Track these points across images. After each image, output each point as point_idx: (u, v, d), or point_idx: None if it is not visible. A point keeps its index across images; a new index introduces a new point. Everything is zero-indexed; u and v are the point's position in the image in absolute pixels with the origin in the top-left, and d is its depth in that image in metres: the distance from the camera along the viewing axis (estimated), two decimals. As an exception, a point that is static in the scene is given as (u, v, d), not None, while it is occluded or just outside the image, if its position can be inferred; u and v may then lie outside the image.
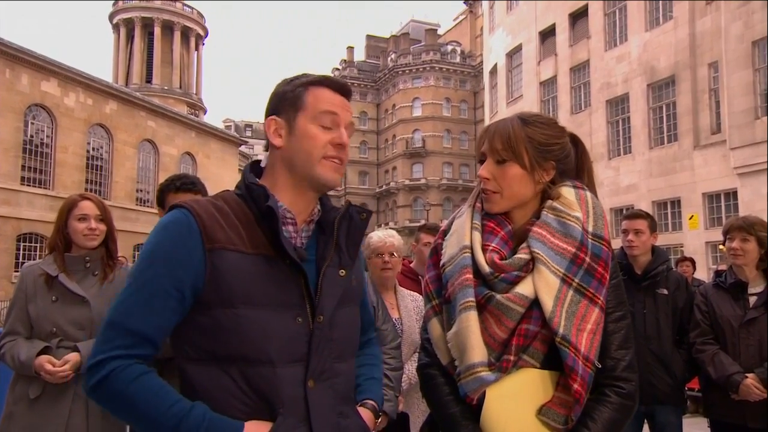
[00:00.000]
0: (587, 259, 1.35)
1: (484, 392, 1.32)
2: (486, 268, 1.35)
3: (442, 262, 1.44)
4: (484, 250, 1.38)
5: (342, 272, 1.28)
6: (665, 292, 3.27)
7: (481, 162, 1.45)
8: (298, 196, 1.29)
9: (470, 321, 1.32)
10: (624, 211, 16.67)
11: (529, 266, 1.35)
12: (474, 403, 1.33)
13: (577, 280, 1.33)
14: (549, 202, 1.42)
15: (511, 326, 1.32)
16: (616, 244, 3.54)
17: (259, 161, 1.37)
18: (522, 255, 1.35)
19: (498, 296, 1.32)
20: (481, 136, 1.48)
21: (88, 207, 2.50)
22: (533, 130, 1.42)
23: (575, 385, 1.27)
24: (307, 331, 1.21)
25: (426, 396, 1.47)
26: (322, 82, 1.30)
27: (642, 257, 3.32)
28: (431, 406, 1.46)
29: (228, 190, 1.32)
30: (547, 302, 1.30)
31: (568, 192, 1.43)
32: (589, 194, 1.45)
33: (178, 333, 1.20)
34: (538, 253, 1.34)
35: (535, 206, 1.44)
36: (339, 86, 1.31)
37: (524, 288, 1.33)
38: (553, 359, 1.32)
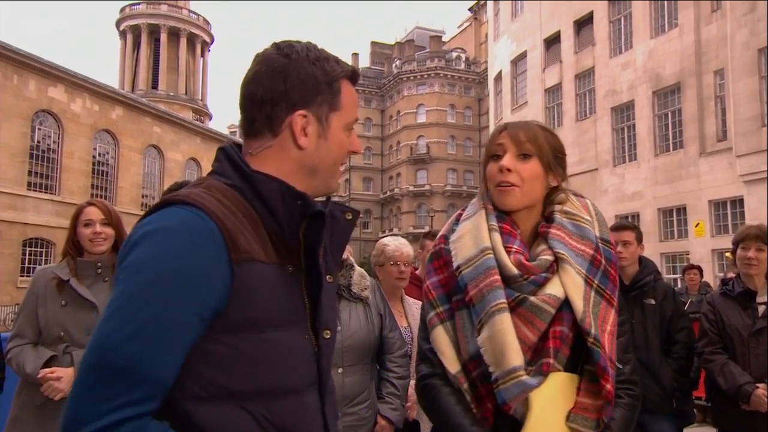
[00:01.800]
0: (603, 261, 1.37)
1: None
2: (514, 270, 1.32)
3: (456, 264, 1.38)
4: (506, 251, 1.35)
5: (329, 278, 1.08)
6: (653, 302, 3.31)
7: (494, 158, 1.42)
8: None
9: (504, 323, 1.27)
10: (630, 218, 16.43)
11: (554, 267, 1.34)
12: (510, 412, 1.29)
13: (596, 282, 1.34)
14: (559, 207, 1.43)
15: (543, 328, 1.29)
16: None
17: (240, 145, 1.10)
18: (546, 256, 1.34)
19: (531, 298, 1.30)
20: (498, 131, 1.45)
21: (92, 212, 2.52)
22: (550, 135, 1.45)
23: (608, 386, 1.26)
24: (313, 349, 1.04)
25: (428, 407, 1.41)
26: (352, 75, 1.13)
27: (630, 268, 3.35)
28: (434, 417, 1.40)
29: (208, 178, 1.06)
30: (578, 302, 1.30)
31: (573, 198, 1.45)
32: (589, 201, 1.48)
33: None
34: (562, 254, 1.34)
35: (540, 210, 1.45)
36: (357, 79, 1.16)
37: (554, 289, 1.31)
38: (572, 362, 1.33)
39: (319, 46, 1.12)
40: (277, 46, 1.09)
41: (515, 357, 1.25)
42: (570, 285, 1.31)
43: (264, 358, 0.95)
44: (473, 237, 1.39)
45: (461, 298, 1.36)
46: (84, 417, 0.82)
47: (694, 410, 4.00)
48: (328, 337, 1.07)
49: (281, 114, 1.05)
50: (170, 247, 0.90)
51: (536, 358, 1.29)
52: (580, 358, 1.32)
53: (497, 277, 1.31)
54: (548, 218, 1.43)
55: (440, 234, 1.51)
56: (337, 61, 1.11)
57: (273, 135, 1.06)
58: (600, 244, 1.38)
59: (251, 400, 0.94)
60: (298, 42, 1.10)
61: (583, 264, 1.34)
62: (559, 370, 1.31)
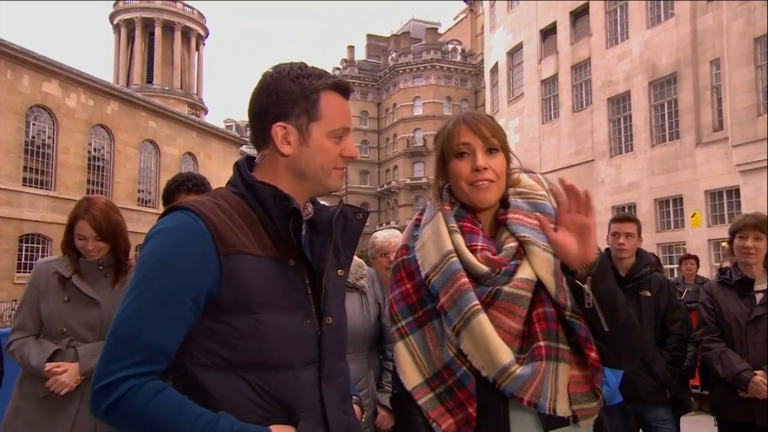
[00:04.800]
0: None
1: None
2: (483, 268, 1.32)
3: (424, 274, 1.37)
4: (472, 250, 1.35)
5: (340, 272, 1.28)
6: (648, 294, 3.35)
7: (458, 156, 1.40)
8: (297, 199, 1.25)
9: (483, 325, 1.28)
10: (626, 209, 16.42)
11: (521, 252, 1.34)
12: (528, 402, 1.28)
13: None
14: (512, 189, 1.43)
15: (524, 314, 1.30)
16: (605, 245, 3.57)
17: (253, 158, 1.31)
18: (511, 243, 1.35)
19: (504, 288, 1.30)
20: (457, 128, 1.41)
21: (84, 228, 2.46)
22: (497, 123, 1.45)
23: (593, 354, 1.29)
24: (315, 332, 1.20)
25: (401, 425, 1.42)
26: (335, 87, 1.25)
27: (627, 260, 3.38)
28: None
29: (222, 189, 1.27)
30: (549, 279, 1.31)
31: (524, 177, 1.45)
32: (540, 175, 1.48)
33: (186, 339, 1.12)
34: (525, 237, 1.34)
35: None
36: (347, 91, 1.28)
37: (525, 273, 1.31)
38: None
39: (310, 65, 1.26)
40: (273, 67, 1.26)
41: (503, 355, 1.27)
42: (539, 264, 1.31)
43: (256, 336, 1.12)
44: (434, 243, 1.38)
45: (433, 307, 1.35)
46: (101, 375, 1.06)
47: (691, 399, 4.03)
48: (330, 322, 1.21)
49: (267, 126, 1.22)
50: (167, 243, 1.12)
51: (527, 344, 1.30)
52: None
53: (465, 279, 1.30)
54: (504, 203, 1.43)
55: (401, 245, 1.49)
56: (320, 76, 1.24)
57: (266, 145, 1.24)
58: None
59: (247, 370, 1.12)
60: (291, 63, 1.26)
61: (546, 240, 1.32)
62: (568, 353, 1.30)
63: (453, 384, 1.31)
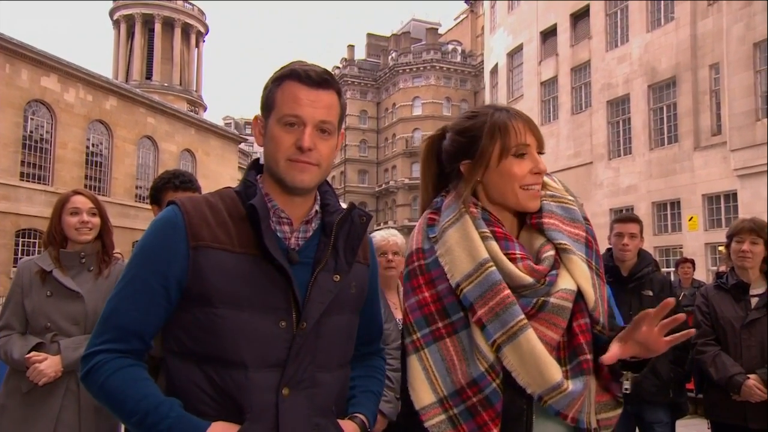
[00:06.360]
0: (593, 241, 1.33)
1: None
2: (528, 279, 1.22)
3: (455, 282, 1.24)
4: (510, 259, 1.24)
5: (336, 277, 1.22)
6: (650, 293, 3.35)
7: (518, 156, 1.29)
8: (286, 196, 1.24)
9: (532, 341, 1.19)
10: (624, 212, 16.42)
11: (557, 260, 1.27)
12: (571, 419, 1.23)
13: (594, 264, 1.31)
14: (542, 191, 1.36)
15: (565, 325, 1.24)
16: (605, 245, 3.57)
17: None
18: (550, 252, 1.27)
19: (551, 300, 1.22)
20: (514, 124, 1.29)
21: (79, 201, 2.50)
22: None
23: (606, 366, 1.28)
24: (289, 336, 1.17)
25: None
26: (291, 74, 1.22)
27: (629, 260, 3.38)
28: None
29: (230, 188, 1.29)
30: (589, 291, 1.26)
31: (548, 179, 1.37)
32: (555, 178, 1.42)
33: (165, 326, 1.21)
34: (564, 244, 1.27)
35: None
36: (307, 77, 1.20)
37: (565, 282, 1.25)
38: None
39: (309, 62, 1.27)
40: None
41: (555, 371, 1.19)
42: (579, 275, 1.26)
43: (213, 330, 1.14)
44: (465, 249, 1.25)
45: (459, 319, 1.24)
46: (87, 346, 1.19)
47: (687, 402, 4.04)
48: (304, 327, 1.18)
49: None
50: (147, 233, 1.22)
51: (565, 355, 1.25)
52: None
53: (508, 291, 1.20)
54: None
55: (414, 248, 1.34)
56: (292, 70, 1.22)
57: None
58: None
59: (205, 362, 1.16)
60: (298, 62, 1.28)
61: (581, 249, 1.29)
62: (592, 361, 1.26)
63: (478, 402, 1.20)
